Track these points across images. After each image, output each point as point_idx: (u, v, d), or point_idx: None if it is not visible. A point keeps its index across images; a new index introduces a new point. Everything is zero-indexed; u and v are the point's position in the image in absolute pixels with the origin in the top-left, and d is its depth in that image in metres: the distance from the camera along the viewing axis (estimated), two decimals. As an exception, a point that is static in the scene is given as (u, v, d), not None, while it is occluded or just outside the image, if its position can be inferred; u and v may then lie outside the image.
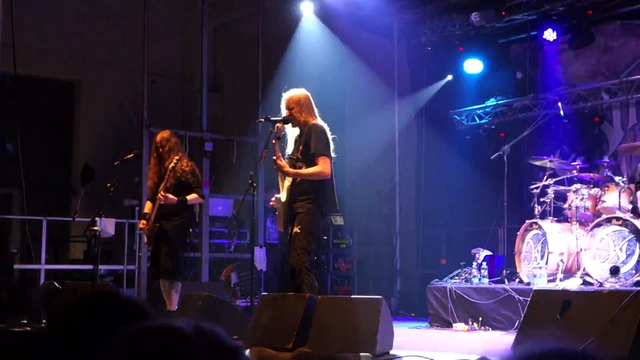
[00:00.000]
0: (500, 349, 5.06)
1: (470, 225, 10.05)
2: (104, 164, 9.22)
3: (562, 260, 7.42)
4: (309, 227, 5.64)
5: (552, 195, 7.89)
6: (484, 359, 4.09)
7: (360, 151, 11.45)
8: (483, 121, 10.57)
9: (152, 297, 7.41)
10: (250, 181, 6.01)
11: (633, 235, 6.85)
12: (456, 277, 8.17)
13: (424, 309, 8.24)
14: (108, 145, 11.86)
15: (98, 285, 7.30)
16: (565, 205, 7.81)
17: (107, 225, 8.60)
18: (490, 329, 7.21)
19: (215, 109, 12.24)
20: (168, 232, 6.95)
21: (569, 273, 7.46)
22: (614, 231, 6.98)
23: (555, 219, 7.84)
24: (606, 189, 7.44)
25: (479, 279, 7.88)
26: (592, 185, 7.64)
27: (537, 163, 8.39)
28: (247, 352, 5.23)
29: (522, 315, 5.89)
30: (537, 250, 7.62)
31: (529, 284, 7.40)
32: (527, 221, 7.83)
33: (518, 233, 7.86)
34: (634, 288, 6.13)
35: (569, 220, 7.73)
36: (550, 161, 8.11)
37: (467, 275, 8.10)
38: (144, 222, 7.06)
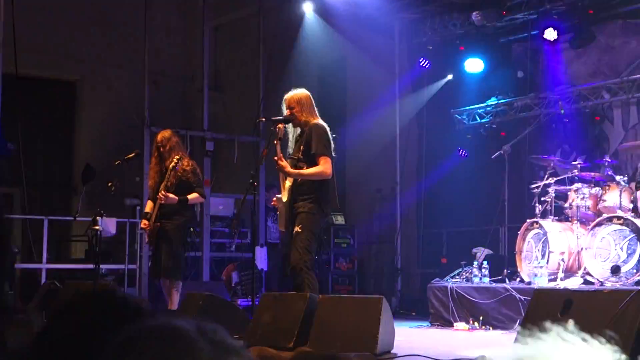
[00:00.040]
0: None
1: (471, 224, 10.05)
2: (105, 164, 9.24)
3: (563, 260, 7.42)
4: (310, 227, 5.65)
5: (553, 195, 7.89)
6: (485, 358, 4.10)
7: (361, 150, 11.47)
8: (484, 120, 10.57)
9: (153, 296, 7.43)
10: (251, 180, 6.02)
11: (634, 235, 6.84)
12: (457, 277, 8.17)
13: (424, 308, 8.24)
14: (109, 144, 11.88)
15: (99, 284, 7.31)
16: (566, 205, 7.80)
17: (108, 225, 8.62)
18: (491, 328, 7.21)
19: (216, 109, 12.24)
20: (169, 231, 6.96)
21: (569, 272, 7.46)
22: (615, 230, 6.98)
23: (556, 218, 7.84)
24: (607, 188, 7.44)
25: (480, 278, 7.88)
26: (593, 185, 7.64)
27: (538, 162, 8.39)
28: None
29: (523, 315, 5.90)
30: (538, 250, 7.62)
31: (529, 283, 7.40)
32: (528, 220, 7.83)
33: (519, 232, 7.85)
34: (634, 287, 6.13)
35: (570, 219, 7.72)
36: (551, 160, 8.11)
37: (468, 274, 8.10)
38: (145, 221, 7.06)
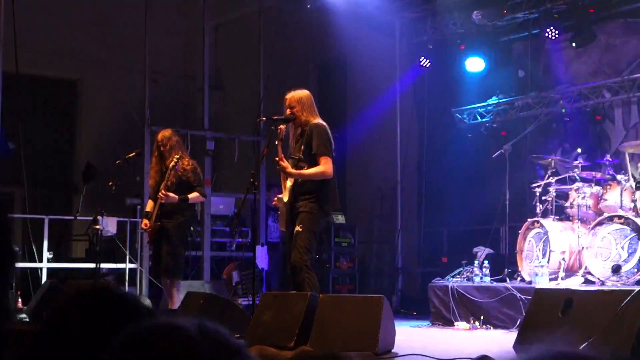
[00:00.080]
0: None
1: (472, 223, 10.05)
2: (105, 163, 9.23)
3: (563, 259, 7.41)
4: (311, 226, 5.66)
5: (554, 194, 7.88)
6: (485, 357, 4.09)
7: (361, 149, 11.47)
8: (485, 119, 10.56)
9: (153, 295, 7.43)
10: (251, 180, 6.02)
11: (635, 234, 6.84)
12: (458, 276, 8.17)
13: (425, 307, 8.24)
14: (110, 143, 11.88)
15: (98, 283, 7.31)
16: (567, 204, 7.80)
17: (109, 224, 8.61)
18: (491, 327, 7.21)
19: (216, 108, 12.25)
20: (169, 230, 6.96)
21: (570, 272, 7.45)
22: (616, 230, 6.98)
23: (557, 217, 7.83)
24: (608, 187, 7.44)
25: (481, 278, 7.87)
26: (593, 184, 7.64)
27: (539, 161, 8.39)
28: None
29: (524, 314, 5.90)
30: (539, 249, 7.62)
31: (530, 282, 7.39)
32: (528, 220, 7.83)
33: (520, 231, 7.85)
34: (635, 287, 6.14)
35: (571, 218, 7.72)
36: (552, 159, 8.10)
37: (468, 273, 8.10)
38: (146, 221, 7.06)
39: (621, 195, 7.20)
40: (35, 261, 9.27)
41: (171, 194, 6.87)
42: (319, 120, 5.81)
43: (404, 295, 10.47)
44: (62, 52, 12.74)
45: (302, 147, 5.76)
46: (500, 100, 10.32)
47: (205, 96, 10.59)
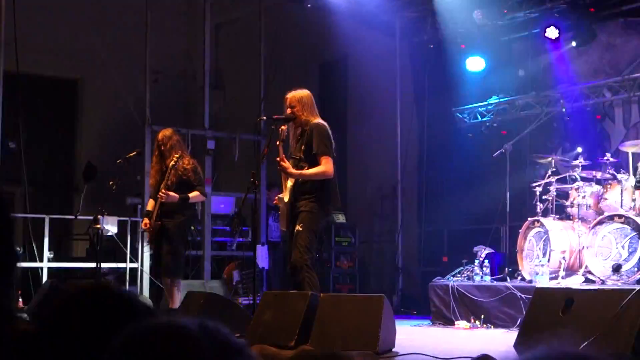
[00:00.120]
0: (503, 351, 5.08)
1: (472, 223, 10.05)
2: (106, 162, 9.23)
3: (564, 258, 7.41)
4: (311, 226, 5.67)
5: (554, 193, 7.89)
6: (486, 357, 4.09)
7: (362, 149, 11.47)
8: (485, 119, 10.56)
9: (154, 294, 7.43)
10: (252, 179, 6.02)
11: (635, 233, 6.84)
12: (458, 275, 8.17)
13: (426, 306, 8.24)
14: (110, 143, 11.88)
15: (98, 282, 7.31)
16: (568, 203, 7.80)
17: (109, 223, 8.62)
18: (492, 326, 7.21)
19: (217, 107, 12.24)
20: (170, 229, 6.96)
21: (571, 271, 7.45)
22: (616, 229, 6.98)
23: (558, 216, 7.84)
24: (608, 186, 7.44)
25: (481, 277, 7.88)
26: (594, 183, 7.64)
27: (540, 161, 8.38)
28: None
29: (524, 313, 5.90)
30: (539, 248, 7.62)
31: (531, 281, 7.40)
32: (529, 219, 7.83)
33: (520, 231, 7.85)
34: (636, 286, 6.13)
35: (571, 218, 7.72)
36: (553, 159, 8.10)
37: (469, 273, 8.10)
38: (147, 221, 7.07)
39: (621, 194, 7.20)
40: (35, 261, 9.28)
41: (171, 193, 6.87)
42: (319, 120, 5.81)
43: (404, 295, 10.47)
44: (63, 51, 12.75)
45: (303, 147, 5.76)
46: (501, 100, 10.32)
47: (205, 95, 10.59)
